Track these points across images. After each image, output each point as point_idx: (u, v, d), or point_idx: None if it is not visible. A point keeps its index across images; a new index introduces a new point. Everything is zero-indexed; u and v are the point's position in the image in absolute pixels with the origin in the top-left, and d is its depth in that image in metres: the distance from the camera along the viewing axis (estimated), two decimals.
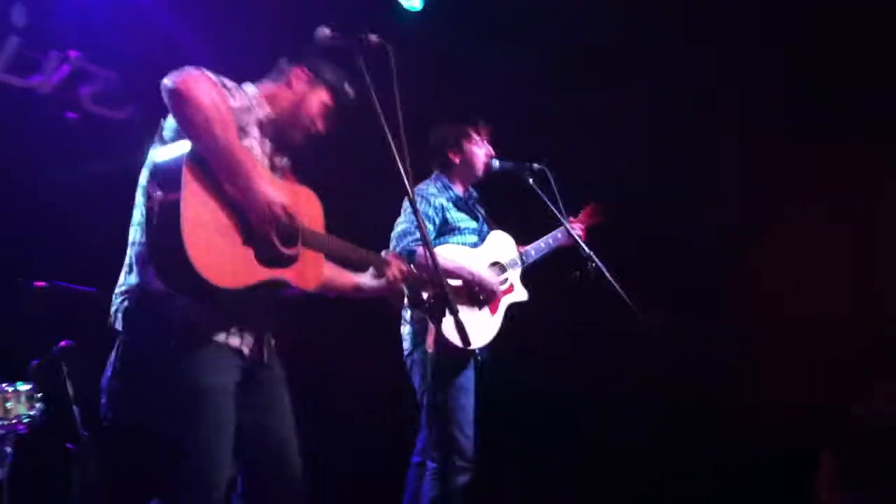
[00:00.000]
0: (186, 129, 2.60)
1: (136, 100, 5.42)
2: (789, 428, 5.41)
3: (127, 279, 2.83)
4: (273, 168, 3.01)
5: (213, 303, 2.71)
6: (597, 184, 5.33)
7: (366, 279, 3.33)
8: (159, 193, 2.56)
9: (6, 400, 4.09)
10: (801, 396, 5.50)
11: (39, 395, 4.20)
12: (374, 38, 3.04)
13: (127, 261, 2.85)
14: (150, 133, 2.92)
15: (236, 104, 2.78)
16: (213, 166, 2.61)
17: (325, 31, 3.07)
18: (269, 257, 2.77)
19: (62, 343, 4.32)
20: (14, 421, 4.08)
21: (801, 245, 5.70)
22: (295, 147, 3.09)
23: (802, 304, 5.59)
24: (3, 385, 4.13)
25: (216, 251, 2.58)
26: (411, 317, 4.23)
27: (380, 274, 3.31)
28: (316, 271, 3.02)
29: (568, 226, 4.41)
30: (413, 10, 6.05)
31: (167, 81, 2.61)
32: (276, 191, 2.72)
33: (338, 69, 3.13)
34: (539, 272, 4.60)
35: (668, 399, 5.62)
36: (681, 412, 5.66)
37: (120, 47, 5.28)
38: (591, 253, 4.27)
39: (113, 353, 2.83)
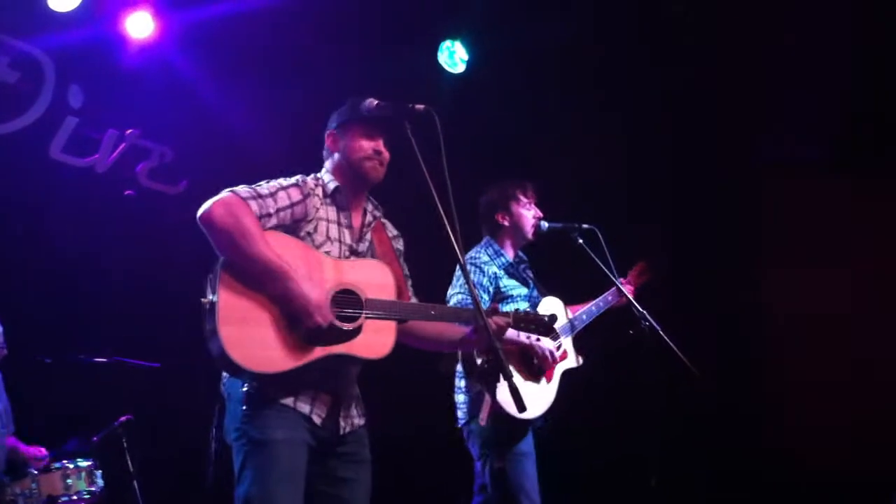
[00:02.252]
0: (216, 246, 2.88)
1: (190, 174, 5.52)
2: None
3: None
4: (352, 243, 3.13)
5: (275, 376, 2.88)
6: (642, 240, 5.33)
7: (456, 334, 3.31)
8: (208, 296, 2.85)
9: (67, 476, 4.14)
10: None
11: (100, 471, 4.25)
12: (420, 106, 3.08)
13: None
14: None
15: (283, 203, 2.99)
16: (250, 271, 2.87)
17: (372, 102, 3.14)
18: (322, 336, 2.88)
19: (122, 418, 4.37)
20: (75, 497, 4.12)
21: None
22: (378, 184, 3.20)
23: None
24: (65, 461, 4.18)
25: (254, 342, 2.83)
26: (466, 386, 4.20)
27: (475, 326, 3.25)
28: (385, 339, 3.03)
29: (620, 285, 4.35)
30: (456, 74, 6.16)
31: (199, 211, 2.87)
32: (315, 287, 2.89)
33: (349, 101, 3.24)
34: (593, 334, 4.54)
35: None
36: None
37: (173, 123, 5.40)
38: (645, 312, 4.21)
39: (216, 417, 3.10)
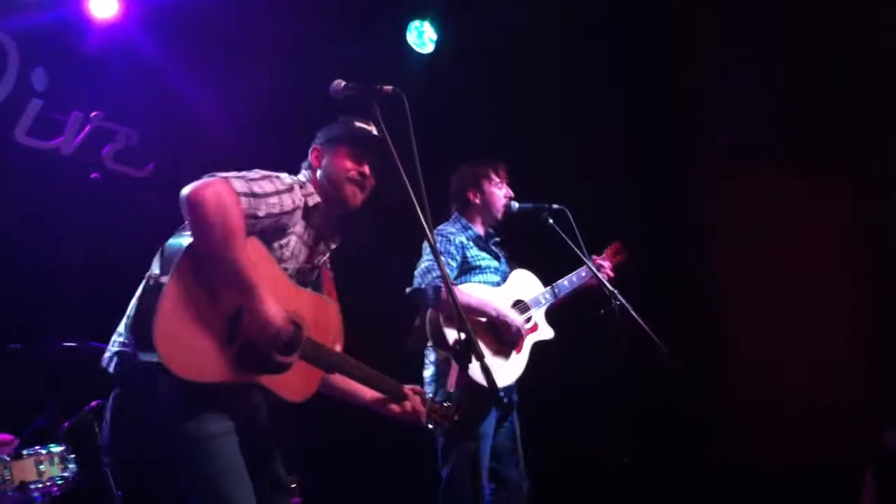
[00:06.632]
0: (194, 234, 2.66)
1: (156, 157, 5.49)
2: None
3: (126, 332, 2.76)
4: (304, 264, 3.02)
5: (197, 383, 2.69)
6: (614, 221, 5.37)
7: (379, 399, 3.20)
8: (156, 272, 2.63)
9: (40, 462, 4.10)
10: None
11: (72, 456, 4.22)
12: (388, 87, 3.05)
13: (131, 311, 2.76)
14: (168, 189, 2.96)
15: (273, 210, 2.81)
16: (216, 272, 2.65)
17: (339, 84, 3.10)
18: (252, 361, 2.72)
19: (93, 403, 4.34)
20: (48, 483, 4.09)
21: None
22: (354, 210, 3.09)
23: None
24: (37, 447, 4.15)
25: (185, 343, 2.58)
26: (434, 359, 4.21)
27: (396, 401, 3.18)
28: (307, 385, 2.93)
29: (590, 265, 4.38)
30: (425, 53, 6.14)
31: (184, 190, 2.66)
32: (281, 310, 2.71)
33: (340, 119, 3.17)
34: (563, 312, 4.57)
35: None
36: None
37: (138, 105, 5.36)
38: (616, 291, 4.25)
39: (109, 408, 2.80)
